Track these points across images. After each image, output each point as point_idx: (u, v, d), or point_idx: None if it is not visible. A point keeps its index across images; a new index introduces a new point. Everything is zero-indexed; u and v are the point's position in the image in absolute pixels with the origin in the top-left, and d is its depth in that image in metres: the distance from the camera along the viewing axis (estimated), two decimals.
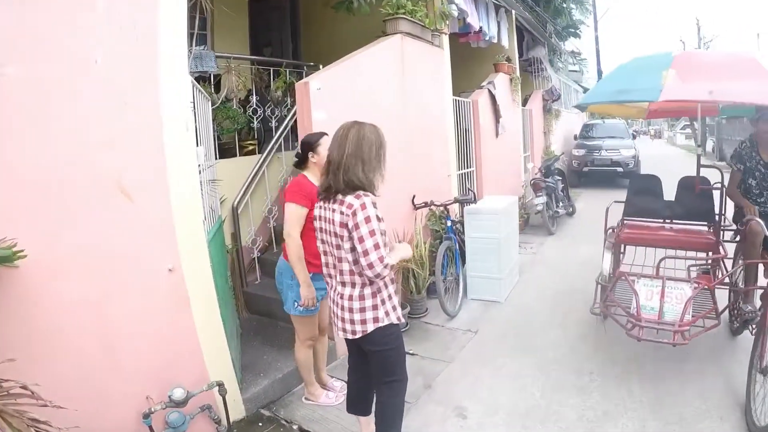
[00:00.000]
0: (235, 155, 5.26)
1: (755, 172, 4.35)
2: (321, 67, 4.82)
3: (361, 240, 2.37)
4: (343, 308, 2.59)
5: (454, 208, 6.05)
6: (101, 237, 2.68)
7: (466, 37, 8.16)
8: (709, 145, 23.55)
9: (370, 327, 2.55)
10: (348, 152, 2.47)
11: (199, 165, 3.23)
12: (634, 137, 15.46)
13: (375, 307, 2.55)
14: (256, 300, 4.93)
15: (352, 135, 2.50)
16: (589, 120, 17.78)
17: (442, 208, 5.80)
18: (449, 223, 5.63)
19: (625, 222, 5.11)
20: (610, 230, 4.98)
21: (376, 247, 2.37)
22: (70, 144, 2.57)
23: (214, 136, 4.45)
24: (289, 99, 5.72)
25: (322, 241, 2.65)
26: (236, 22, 6.79)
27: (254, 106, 5.32)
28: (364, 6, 5.31)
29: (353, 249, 2.45)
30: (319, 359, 3.77)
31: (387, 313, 2.58)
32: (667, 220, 5.08)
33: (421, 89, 5.77)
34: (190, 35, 4.44)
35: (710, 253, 4.48)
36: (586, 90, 17.79)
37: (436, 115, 6.26)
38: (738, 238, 4.52)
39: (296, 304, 3.33)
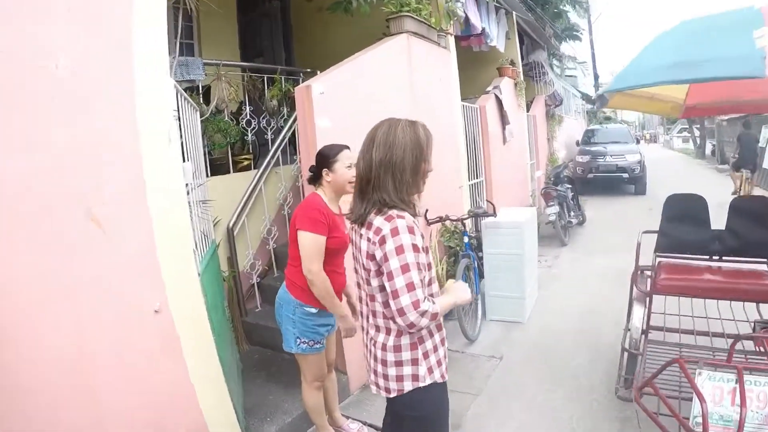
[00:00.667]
0: (228, 172, 4.79)
1: None
2: (318, 73, 4.40)
3: (390, 277, 1.80)
4: (375, 358, 2.00)
5: (467, 223, 5.62)
6: (66, 273, 2.16)
7: (468, 40, 7.81)
8: (708, 148, 23.38)
9: (408, 386, 1.95)
10: (376, 161, 1.89)
11: (187, 184, 2.76)
12: (637, 142, 15.17)
13: (415, 362, 1.94)
14: (258, 330, 4.42)
15: (380, 137, 1.91)
16: (591, 125, 17.52)
17: (457, 223, 5.39)
18: (466, 239, 5.20)
19: (660, 262, 3.94)
20: (640, 272, 3.97)
21: (410, 287, 1.77)
22: (19, 160, 2.05)
23: (204, 151, 4.00)
24: (285, 108, 5.28)
25: (356, 271, 2.10)
26: (225, 31, 6.37)
27: (248, 117, 4.86)
28: (363, 5, 4.89)
29: (383, 288, 1.88)
30: (330, 398, 3.28)
31: (430, 370, 1.96)
32: (715, 256, 3.91)
33: (429, 93, 5.35)
34: (176, 44, 4.05)
35: None
36: (584, 95, 17.39)
37: (446, 122, 5.83)
38: None
39: (298, 340, 2.86)
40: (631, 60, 2.93)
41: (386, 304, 1.89)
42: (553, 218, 8.42)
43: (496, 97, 7.95)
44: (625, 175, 13.43)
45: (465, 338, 4.75)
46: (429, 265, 1.96)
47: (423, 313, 1.78)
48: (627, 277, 6.40)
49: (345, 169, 2.81)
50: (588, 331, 4.97)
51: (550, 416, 3.53)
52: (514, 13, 9.19)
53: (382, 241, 1.82)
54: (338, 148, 2.88)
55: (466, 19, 6.63)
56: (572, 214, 9.36)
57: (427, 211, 4.99)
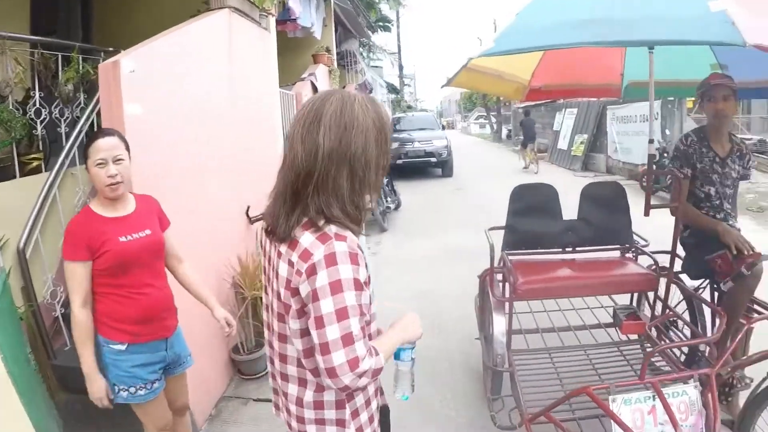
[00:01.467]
0: (14, 176, 3.75)
1: (711, 174, 3.12)
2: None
3: (319, 323, 1.27)
4: (289, 412, 1.49)
5: None
6: None
7: (284, 25, 7.40)
8: (504, 132, 26.66)
9: None
10: (324, 149, 1.31)
11: None
12: (443, 128, 16.37)
13: (341, 423, 1.44)
14: (73, 373, 3.31)
15: (331, 115, 1.32)
16: (396, 114, 18.44)
17: None
18: None
19: (512, 261, 3.46)
20: (496, 275, 3.49)
21: (347, 340, 1.26)
22: None
23: None
24: (81, 95, 4.34)
25: (266, 292, 1.52)
26: (11, 2, 5.11)
27: (37, 105, 3.86)
28: None
29: (305, 332, 1.35)
30: None
31: (360, 431, 1.47)
32: (568, 248, 3.65)
33: (249, 77, 4.88)
34: None
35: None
36: (390, 85, 18.08)
37: (265, 109, 5.40)
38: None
39: (116, 387, 2.27)
40: (516, 19, 2.54)
41: (308, 353, 1.38)
42: (371, 205, 8.45)
43: (312, 84, 7.80)
44: (433, 160, 14.41)
45: None
46: (369, 304, 1.43)
47: (362, 374, 1.28)
48: (451, 256, 6.80)
49: (95, 168, 2.16)
50: (430, 314, 4.98)
51: (441, 418, 3.38)
52: (332, 0, 9.06)
53: (312, 272, 1.27)
54: (94, 137, 2.23)
55: (284, 1, 6.25)
56: (389, 199, 9.67)
57: (249, 207, 4.55)
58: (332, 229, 1.32)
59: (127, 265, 2.21)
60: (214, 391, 3.72)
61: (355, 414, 1.47)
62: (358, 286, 1.30)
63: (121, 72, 2.89)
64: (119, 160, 2.19)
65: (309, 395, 1.43)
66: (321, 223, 1.33)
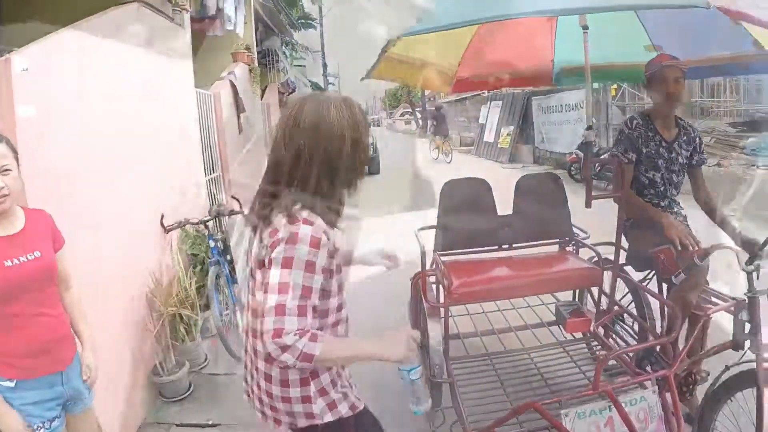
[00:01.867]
0: None
1: (657, 159, 2.95)
2: None
3: (264, 288, 1.40)
4: (258, 386, 1.59)
5: (210, 224, 5.01)
6: None
7: (201, 23, 7.05)
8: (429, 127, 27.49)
9: (301, 422, 1.57)
10: (305, 152, 1.46)
11: None
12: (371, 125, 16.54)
13: (307, 399, 1.55)
14: None
15: (308, 118, 1.47)
16: None
17: (199, 227, 4.77)
18: (213, 244, 4.61)
19: (445, 263, 3.19)
20: (429, 278, 3.22)
21: (279, 311, 1.35)
22: None
23: None
24: None
25: (244, 269, 1.73)
26: None
27: None
28: None
29: None
30: None
31: (333, 406, 1.58)
32: (504, 245, 3.43)
33: (162, 77, 4.61)
34: None
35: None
36: (314, 84, 17.70)
37: (179, 111, 5.11)
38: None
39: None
40: None
41: None
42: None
43: (231, 83, 7.49)
44: None
45: (231, 357, 4.12)
46: (341, 287, 1.59)
47: (284, 348, 1.34)
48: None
49: None
50: (364, 319, 4.52)
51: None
52: None
53: (275, 245, 1.41)
54: None
55: None
56: None
57: (163, 216, 4.29)
58: (303, 213, 1.43)
59: (13, 293, 1.94)
60: (134, 418, 3.45)
61: (323, 392, 1.56)
62: (310, 268, 1.40)
63: (12, 70, 2.64)
64: (6, 170, 1.93)
65: (275, 372, 1.54)
66: (296, 207, 1.44)
